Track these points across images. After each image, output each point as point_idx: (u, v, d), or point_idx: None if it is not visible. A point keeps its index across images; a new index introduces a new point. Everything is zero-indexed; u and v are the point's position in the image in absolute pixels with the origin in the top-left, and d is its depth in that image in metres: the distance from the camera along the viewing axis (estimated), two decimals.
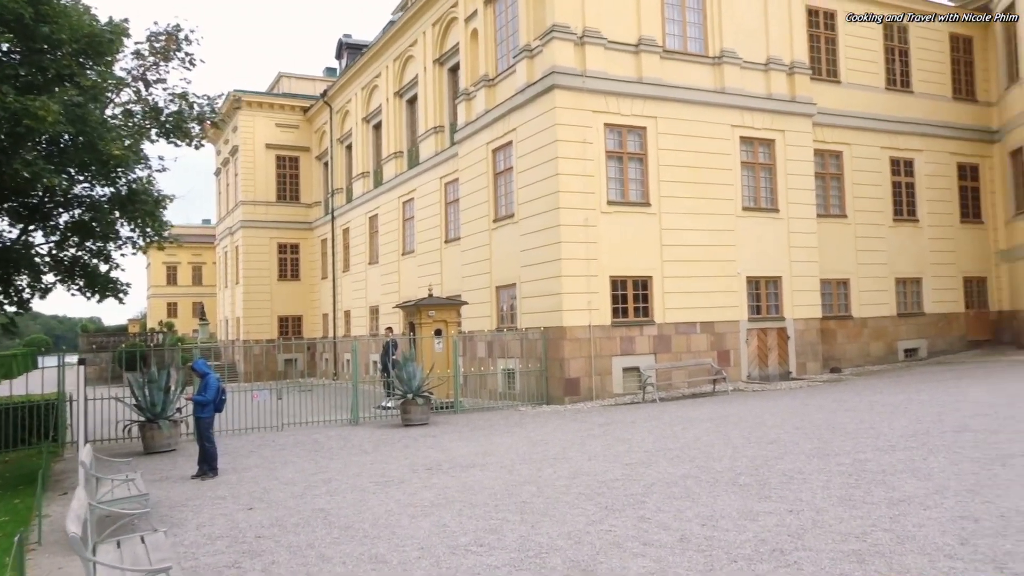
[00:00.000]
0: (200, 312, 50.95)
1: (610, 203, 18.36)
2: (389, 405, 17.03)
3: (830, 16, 23.21)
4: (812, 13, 22.80)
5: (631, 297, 18.59)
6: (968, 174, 25.27)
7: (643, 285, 18.78)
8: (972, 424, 9.80)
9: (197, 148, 13.86)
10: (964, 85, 25.51)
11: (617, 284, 18.43)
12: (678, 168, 19.27)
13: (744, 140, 20.44)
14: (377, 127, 31.12)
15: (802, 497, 7.00)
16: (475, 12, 21.79)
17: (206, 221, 73.14)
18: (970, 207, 25.24)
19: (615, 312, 18.33)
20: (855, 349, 22.72)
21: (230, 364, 34.96)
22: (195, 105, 12.93)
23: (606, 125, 18.55)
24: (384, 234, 29.65)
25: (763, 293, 20.46)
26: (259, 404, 15.88)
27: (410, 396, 15.41)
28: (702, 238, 19.44)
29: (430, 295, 20.69)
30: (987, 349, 24.48)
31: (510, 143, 19.85)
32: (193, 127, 13.01)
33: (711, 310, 19.54)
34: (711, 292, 19.55)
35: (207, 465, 10.46)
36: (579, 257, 17.77)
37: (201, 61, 13.28)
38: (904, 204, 24.03)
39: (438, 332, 18.94)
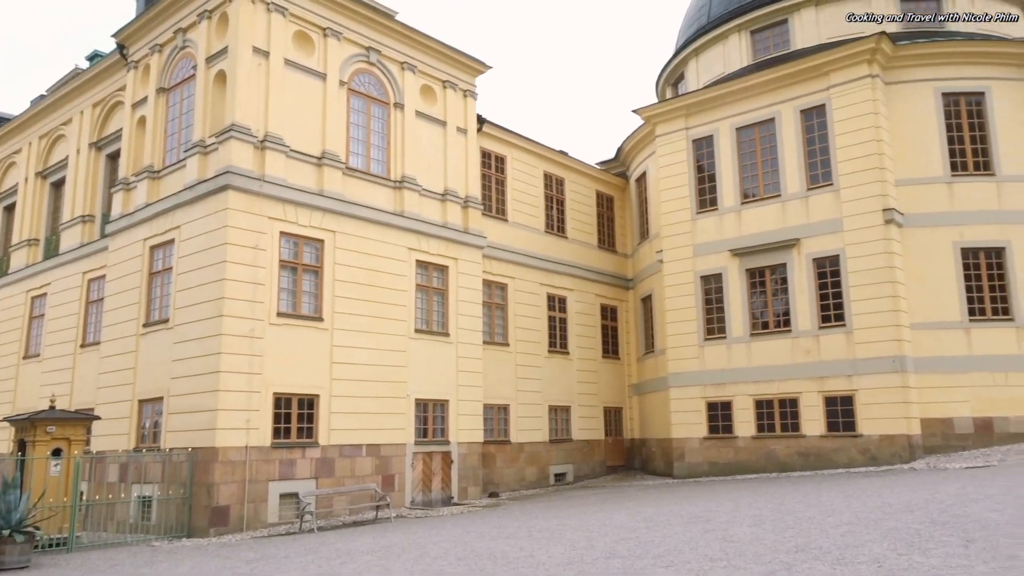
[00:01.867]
0: None
1: (280, 315, 17.30)
2: None
3: (500, 160, 25.29)
4: (486, 155, 24.64)
5: (295, 416, 17.38)
6: (609, 315, 28.47)
7: (309, 404, 17.72)
8: (619, 549, 10.26)
9: None
10: (607, 237, 29.14)
11: (281, 402, 17.15)
12: (354, 285, 18.95)
13: (420, 264, 20.88)
14: (9, 208, 26.73)
15: None
16: (145, 99, 20.03)
17: None
18: (610, 344, 28.30)
19: (276, 432, 16.94)
20: (512, 473, 23.57)
21: None
22: None
23: (282, 234, 17.73)
24: (2, 333, 24.94)
25: (431, 416, 20.49)
26: None
27: (6, 532, 12.40)
28: (374, 357, 19.08)
29: (52, 407, 17.41)
30: (622, 473, 26.98)
31: (172, 241, 18.04)
32: None
33: (379, 432, 19.00)
34: (380, 413, 19.08)
35: None
36: (241, 371, 16.29)
37: None
38: (558, 337, 26.18)
39: (57, 452, 15.82)
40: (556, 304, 26.39)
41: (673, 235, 24.45)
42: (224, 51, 17.84)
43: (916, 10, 23.97)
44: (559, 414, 25.77)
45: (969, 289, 20.47)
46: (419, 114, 21.70)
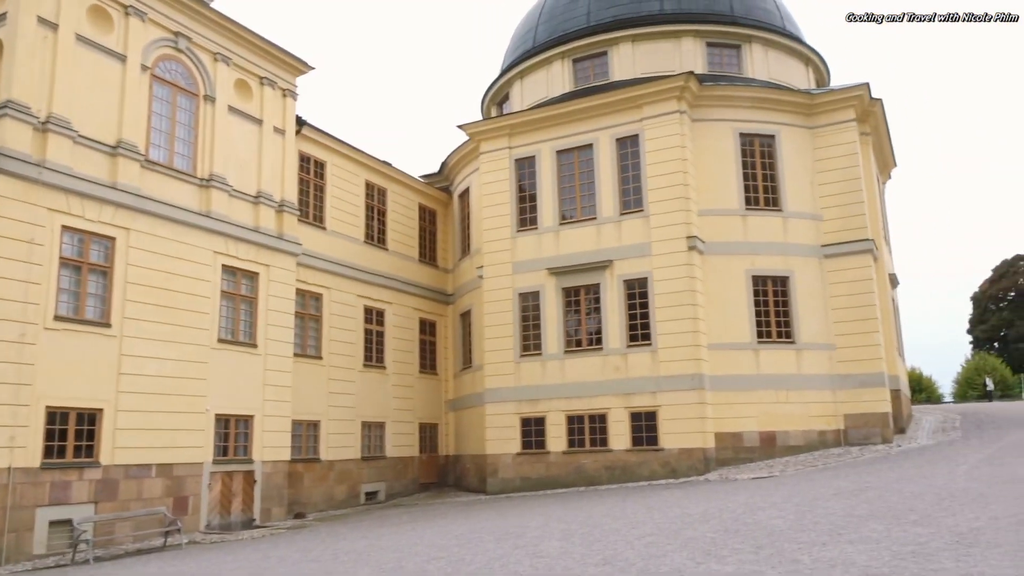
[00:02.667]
0: None
1: (58, 318, 15.47)
2: None
3: (320, 166, 24.37)
4: (304, 159, 23.64)
5: (72, 433, 15.56)
6: (428, 329, 28.17)
7: (90, 419, 15.94)
8: (430, 569, 9.93)
9: None
10: (428, 251, 28.89)
11: (56, 416, 15.29)
12: (149, 288, 17.37)
13: (227, 269, 19.55)
14: None
15: None
16: None
17: None
18: (428, 359, 27.98)
19: (49, 451, 15.07)
20: (320, 493, 22.55)
21: None
22: None
23: (65, 228, 15.90)
24: None
25: (233, 432, 19.14)
26: None
27: None
28: (169, 368, 17.55)
29: None
30: (435, 491, 26.66)
31: None
32: None
33: (172, 450, 17.46)
34: (174, 430, 17.55)
35: None
36: (6, 380, 14.35)
37: None
38: (374, 351, 25.49)
39: None
40: (373, 317, 25.72)
41: (494, 252, 24.65)
42: (3, 17, 15.82)
43: (720, 56, 25.87)
44: (373, 430, 25.04)
45: (758, 313, 22.20)
46: (232, 110, 20.44)
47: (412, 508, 21.67)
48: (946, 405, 41.04)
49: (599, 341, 22.75)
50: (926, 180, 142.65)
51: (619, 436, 21.86)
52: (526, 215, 24.58)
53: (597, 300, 23.01)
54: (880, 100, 23.86)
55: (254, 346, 19.95)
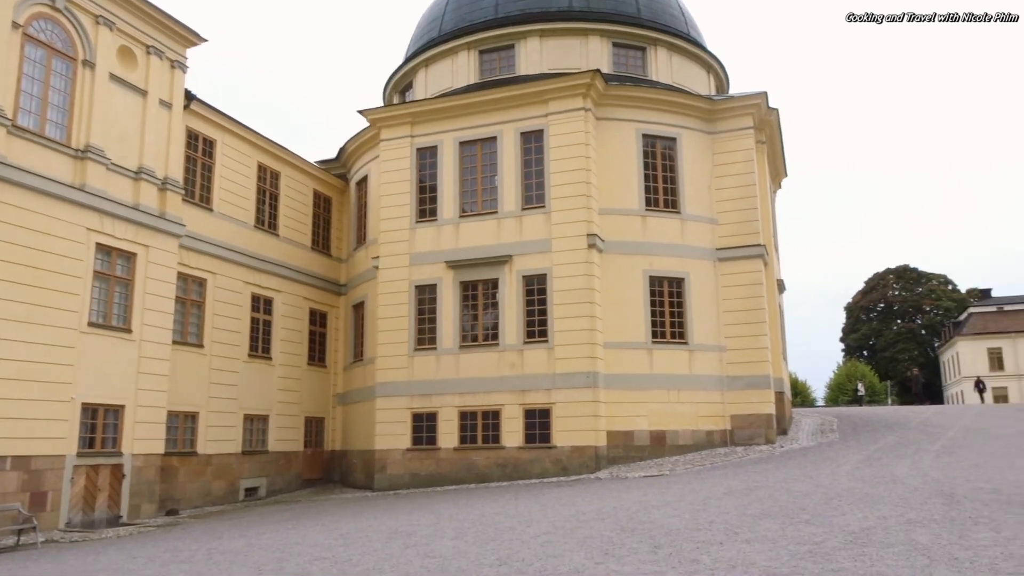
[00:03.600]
0: None
1: None
2: None
3: (209, 144, 23.02)
4: (193, 136, 22.26)
5: None
6: (319, 320, 27.14)
7: None
8: (312, 570, 9.32)
9: None
10: (322, 239, 27.84)
11: None
12: (10, 265, 15.83)
13: (101, 248, 18.10)
14: None
15: None
16: None
17: None
18: (317, 351, 26.95)
19: None
20: (196, 488, 21.27)
21: None
22: None
23: None
24: None
25: (100, 424, 17.73)
26: None
27: None
28: (30, 352, 16.06)
29: None
30: (320, 487, 25.70)
31: None
32: None
33: (30, 441, 15.98)
34: (33, 419, 16.07)
35: None
36: None
37: None
38: (260, 341, 24.31)
39: None
40: (261, 305, 24.52)
41: (391, 242, 23.95)
42: None
43: (626, 57, 26.10)
44: (255, 423, 23.86)
45: (654, 314, 22.47)
46: (115, 78, 18.96)
47: (295, 505, 20.73)
48: (820, 409, 43.10)
49: (496, 337, 22.47)
50: (810, 193, 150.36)
51: (512, 433, 21.64)
52: (426, 206, 24.02)
53: (495, 295, 22.73)
54: (776, 110, 24.67)
55: (128, 331, 18.55)
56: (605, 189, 22.79)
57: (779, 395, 24.09)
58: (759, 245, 23.12)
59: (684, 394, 22.04)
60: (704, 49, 27.60)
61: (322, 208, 28.05)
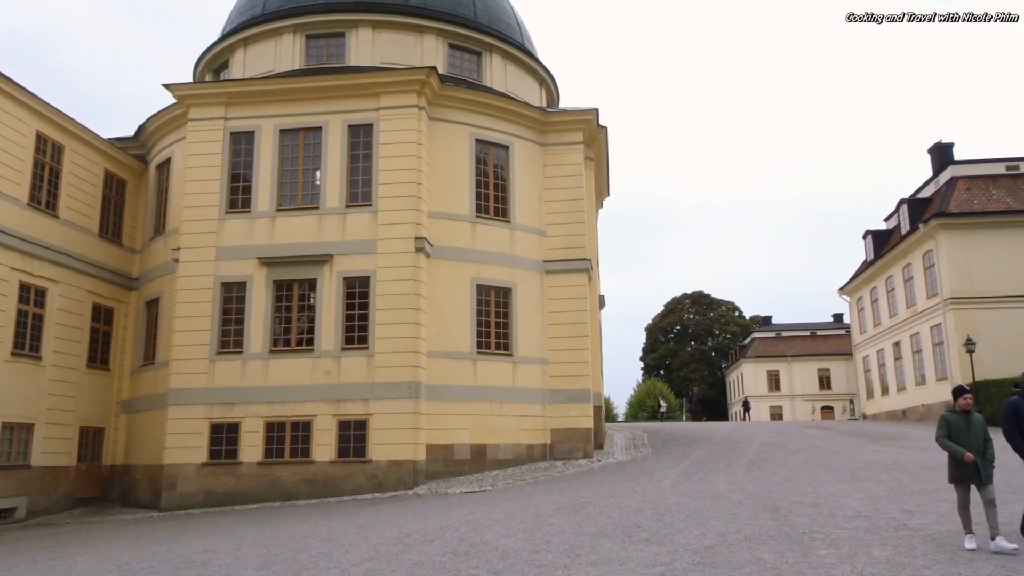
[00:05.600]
0: None
1: None
2: None
3: None
4: None
5: None
6: (103, 317, 23.91)
7: None
8: None
9: None
10: (112, 225, 24.63)
11: None
12: None
13: None
14: None
15: None
16: None
17: None
18: (100, 352, 23.71)
19: None
20: None
21: None
22: None
23: None
24: None
25: None
26: None
27: None
28: None
29: None
30: (96, 507, 22.49)
31: None
32: None
33: None
34: None
35: None
36: None
37: None
38: (29, 337, 20.93)
39: None
40: (32, 296, 21.13)
41: (195, 233, 21.54)
42: None
43: (461, 60, 25.40)
44: (16, 433, 20.42)
45: (480, 324, 21.78)
46: None
47: (63, 528, 17.81)
48: (625, 424, 44.65)
49: (311, 342, 20.77)
50: (619, 215, 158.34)
51: (324, 446, 20.02)
52: (238, 196, 21.88)
53: (313, 297, 21.04)
54: (606, 128, 24.99)
55: None
56: (436, 192, 21.87)
57: (597, 409, 24.22)
58: (585, 259, 23.17)
59: (507, 407, 21.49)
60: (538, 62, 27.56)
61: (114, 191, 24.84)
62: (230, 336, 21.03)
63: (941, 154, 37.15)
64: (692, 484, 15.06)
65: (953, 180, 34.24)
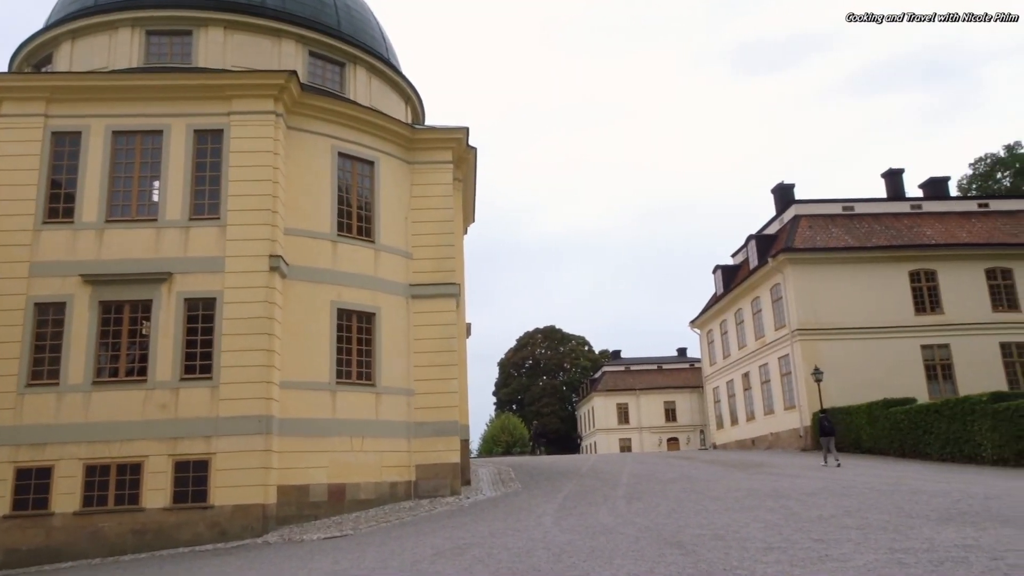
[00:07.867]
0: None
1: None
2: None
3: None
4: None
5: None
6: None
7: None
8: None
9: None
10: None
11: None
12: None
13: None
14: None
15: None
16: None
17: None
18: None
19: None
20: None
21: None
22: None
23: None
24: None
25: None
26: None
27: None
28: None
29: None
30: None
31: None
32: None
33: None
34: None
35: None
36: None
37: None
38: None
39: None
40: None
41: (4, 246, 18.52)
42: None
43: (323, 70, 23.73)
44: None
45: (340, 351, 20.02)
46: None
47: None
48: (483, 459, 43.52)
49: (143, 371, 18.22)
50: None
51: (157, 491, 17.45)
52: (59, 204, 19.09)
53: (147, 320, 18.52)
54: (475, 149, 24.11)
55: None
56: (293, 207, 20.05)
57: (464, 443, 22.92)
58: (454, 284, 22.02)
59: (368, 442, 19.77)
60: (404, 78, 26.38)
61: None
62: (43, 365, 18.09)
63: (783, 194, 39.27)
64: (575, 520, 14.06)
65: (797, 218, 36.11)
